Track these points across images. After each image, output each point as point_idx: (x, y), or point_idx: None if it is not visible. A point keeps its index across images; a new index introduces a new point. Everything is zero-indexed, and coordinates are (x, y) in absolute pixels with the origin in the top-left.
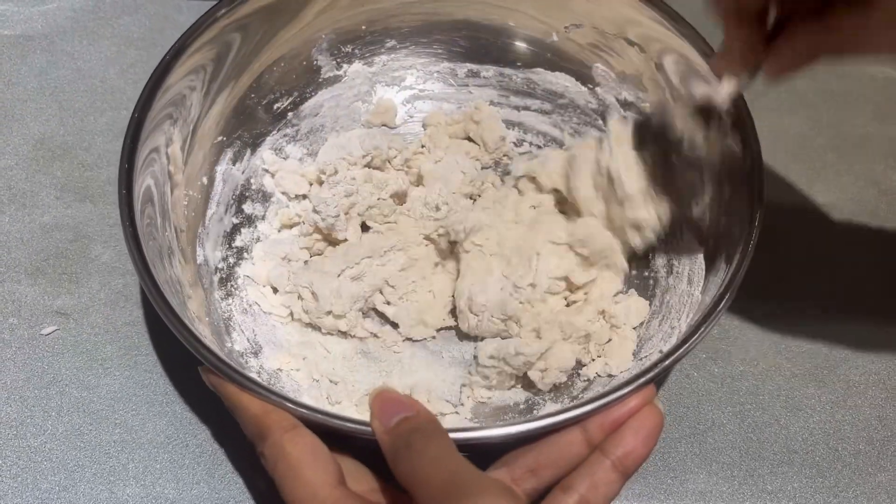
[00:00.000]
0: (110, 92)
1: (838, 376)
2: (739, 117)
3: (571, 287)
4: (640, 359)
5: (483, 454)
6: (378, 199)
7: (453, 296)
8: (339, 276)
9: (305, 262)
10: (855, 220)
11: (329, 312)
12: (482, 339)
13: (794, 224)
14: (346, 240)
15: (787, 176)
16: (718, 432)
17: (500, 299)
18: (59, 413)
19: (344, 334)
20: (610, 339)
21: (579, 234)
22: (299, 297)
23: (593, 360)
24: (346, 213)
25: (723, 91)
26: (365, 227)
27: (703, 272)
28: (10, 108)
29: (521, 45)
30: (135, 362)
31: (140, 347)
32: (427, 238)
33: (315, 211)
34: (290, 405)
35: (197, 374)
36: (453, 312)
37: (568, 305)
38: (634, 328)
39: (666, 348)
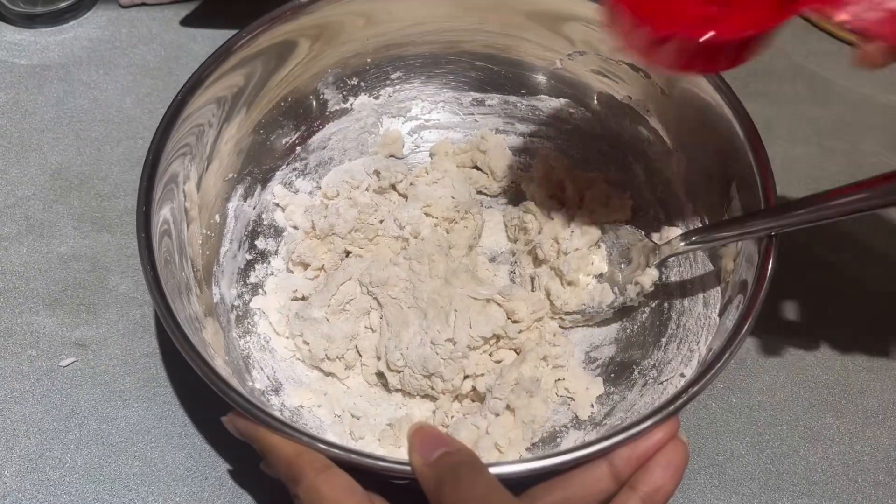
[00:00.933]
0: (127, 122)
1: (857, 406)
2: (753, 148)
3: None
4: (661, 382)
5: (507, 487)
6: (361, 222)
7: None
8: (326, 316)
9: (296, 313)
10: (870, 249)
11: (325, 358)
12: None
13: (809, 253)
14: (322, 266)
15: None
16: (737, 463)
17: (420, 355)
18: (77, 446)
19: (352, 369)
20: (561, 379)
21: (506, 291)
22: (304, 341)
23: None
24: (329, 237)
25: None
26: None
27: (719, 295)
28: (28, 139)
29: (525, 72)
30: (153, 394)
31: (158, 379)
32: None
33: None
34: (325, 447)
35: (216, 406)
36: None
37: (492, 355)
38: (584, 365)
39: (687, 371)
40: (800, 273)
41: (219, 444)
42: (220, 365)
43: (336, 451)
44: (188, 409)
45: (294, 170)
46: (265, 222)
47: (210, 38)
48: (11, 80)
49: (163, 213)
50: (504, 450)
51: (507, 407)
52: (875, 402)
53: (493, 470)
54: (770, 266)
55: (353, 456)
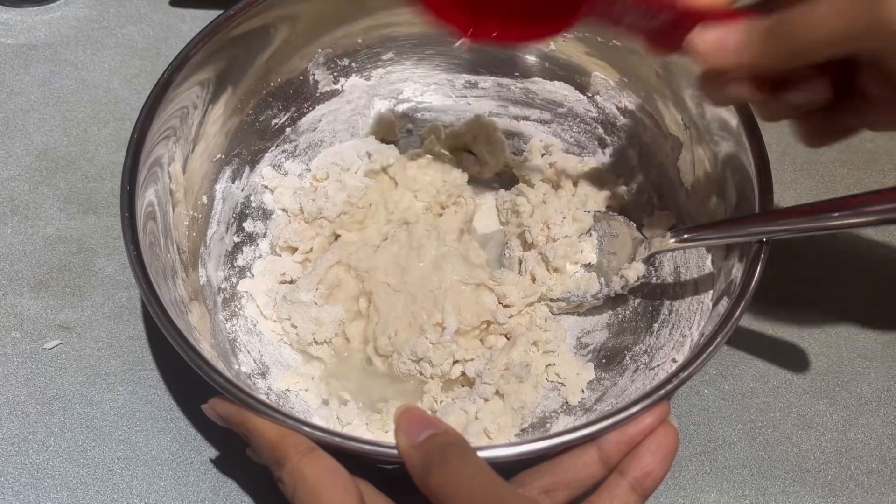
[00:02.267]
0: (114, 102)
1: (850, 393)
2: (749, 131)
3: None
4: (652, 368)
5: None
6: (350, 206)
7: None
8: (314, 300)
9: (284, 296)
10: (865, 235)
11: (312, 342)
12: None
13: (803, 239)
14: (311, 249)
15: (796, 190)
16: (729, 450)
17: (409, 339)
18: (61, 429)
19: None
20: (551, 365)
21: (497, 276)
22: (291, 324)
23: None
24: (317, 220)
25: None
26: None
27: (712, 281)
28: (13, 118)
29: (518, 55)
30: (139, 377)
31: (144, 362)
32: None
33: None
34: (309, 429)
35: (201, 389)
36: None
37: (482, 341)
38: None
39: (679, 357)
40: (794, 258)
41: (205, 429)
42: (205, 348)
43: (320, 433)
44: (174, 392)
45: (283, 151)
46: (253, 204)
47: (199, 19)
48: None
49: (147, 196)
50: (493, 435)
51: (497, 392)
52: (868, 390)
53: (481, 454)
54: (763, 256)
55: (337, 439)
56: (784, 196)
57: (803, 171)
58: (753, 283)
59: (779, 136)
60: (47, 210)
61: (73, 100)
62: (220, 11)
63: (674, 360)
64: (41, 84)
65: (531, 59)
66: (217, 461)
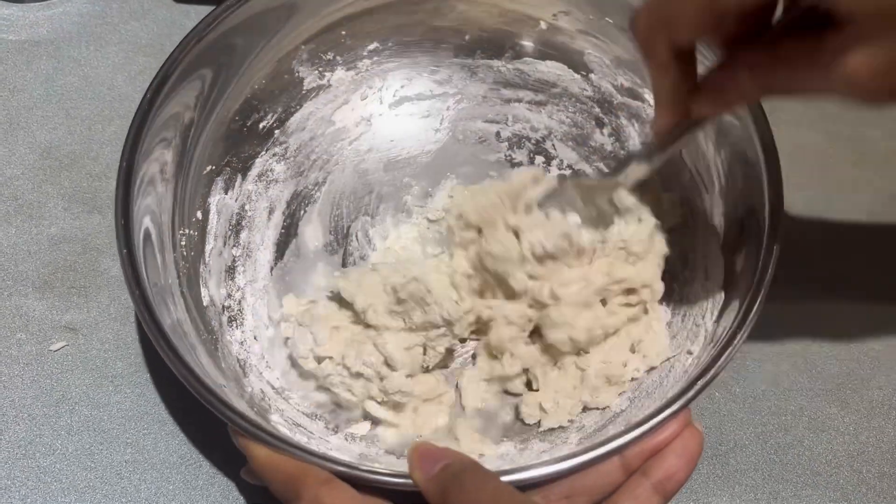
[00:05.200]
0: (118, 100)
1: (861, 396)
2: (759, 129)
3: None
4: (667, 359)
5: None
6: None
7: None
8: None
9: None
10: (876, 236)
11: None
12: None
13: (813, 240)
14: None
15: (806, 191)
16: (741, 454)
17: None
18: (68, 432)
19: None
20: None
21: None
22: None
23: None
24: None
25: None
26: None
27: (723, 267)
28: (16, 116)
29: (509, 35)
30: (146, 379)
31: (151, 364)
32: None
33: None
34: (330, 464)
35: None
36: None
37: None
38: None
39: (694, 348)
40: (805, 260)
41: (214, 432)
42: (211, 377)
43: (337, 467)
44: (182, 395)
45: (274, 155)
46: (249, 214)
47: (204, 14)
48: None
49: (144, 223)
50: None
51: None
52: (881, 394)
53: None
54: (777, 239)
55: (356, 472)
56: (795, 198)
57: (814, 172)
58: (769, 273)
59: (789, 137)
60: (52, 209)
61: (76, 97)
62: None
63: (689, 352)
64: (44, 81)
65: (522, 39)
66: (227, 465)
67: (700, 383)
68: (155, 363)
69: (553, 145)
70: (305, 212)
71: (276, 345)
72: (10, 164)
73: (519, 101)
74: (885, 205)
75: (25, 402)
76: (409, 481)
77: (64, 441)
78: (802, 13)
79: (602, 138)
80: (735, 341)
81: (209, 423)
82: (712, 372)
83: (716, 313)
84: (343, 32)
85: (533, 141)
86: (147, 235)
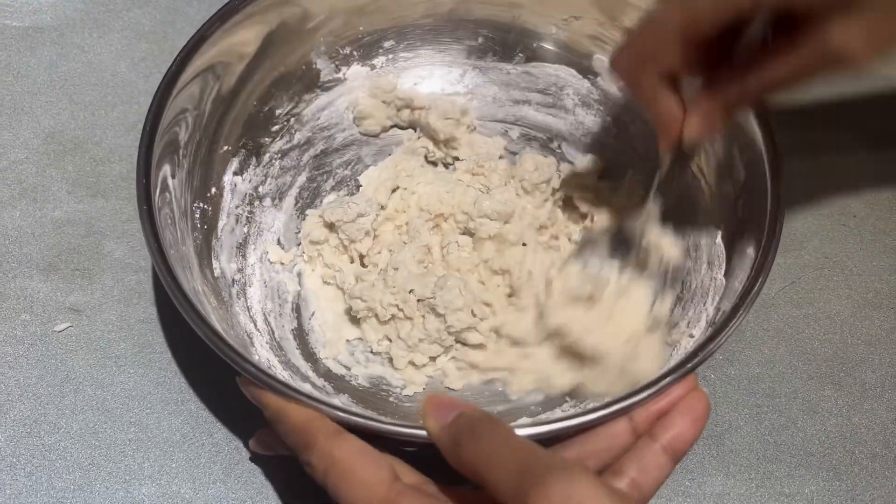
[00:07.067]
0: (121, 86)
1: (854, 379)
2: (759, 108)
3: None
4: (669, 344)
5: None
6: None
7: None
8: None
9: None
10: (872, 220)
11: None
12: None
13: (810, 225)
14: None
15: (804, 176)
16: (735, 434)
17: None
18: (73, 411)
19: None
20: None
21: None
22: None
23: None
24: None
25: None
26: None
27: (724, 255)
28: (20, 102)
29: (520, 39)
30: (149, 360)
31: (154, 345)
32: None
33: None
34: (340, 413)
35: (213, 371)
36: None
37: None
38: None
39: (695, 332)
40: (800, 244)
41: (215, 411)
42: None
43: (348, 416)
44: (185, 375)
45: (288, 142)
46: (261, 195)
47: (206, 2)
48: (3, 42)
49: (162, 186)
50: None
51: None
52: (874, 376)
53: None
54: (780, 221)
55: (362, 420)
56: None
57: (814, 156)
58: (771, 254)
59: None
60: (56, 193)
61: (80, 83)
62: None
63: (691, 336)
64: (48, 67)
65: (533, 42)
66: (228, 443)
67: (711, 346)
68: (158, 345)
69: (559, 146)
70: (321, 201)
71: (285, 316)
72: (15, 148)
73: (528, 102)
74: (883, 189)
75: (30, 382)
76: (421, 432)
77: (68, 420)
78: (765, 25)
79: (609, 140)
80: (739, 313)
81: (211, 402)
82: (717, 341)
83: (717, 299)
84: (361, 28)
85: (540, 142)
86: (165, 201)
